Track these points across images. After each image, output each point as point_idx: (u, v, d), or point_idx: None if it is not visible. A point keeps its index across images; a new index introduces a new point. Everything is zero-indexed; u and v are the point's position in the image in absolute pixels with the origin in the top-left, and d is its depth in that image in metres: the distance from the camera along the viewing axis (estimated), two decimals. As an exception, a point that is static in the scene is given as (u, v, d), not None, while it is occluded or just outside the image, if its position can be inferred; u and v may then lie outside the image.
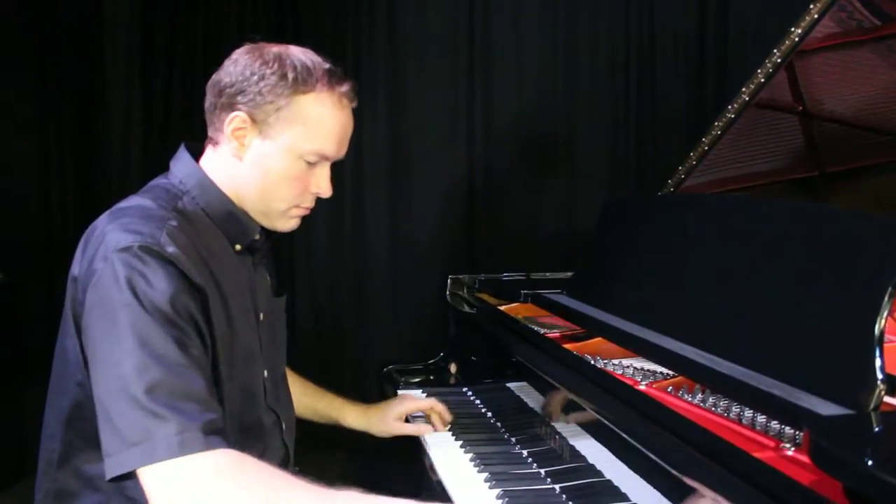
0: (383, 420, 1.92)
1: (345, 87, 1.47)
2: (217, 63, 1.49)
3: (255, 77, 1.41)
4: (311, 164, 1.47)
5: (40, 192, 3.47)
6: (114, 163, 3.52)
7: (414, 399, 1.98)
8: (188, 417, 1.19)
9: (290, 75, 1.41)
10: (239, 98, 1.42)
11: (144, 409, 1.18)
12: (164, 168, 1.53)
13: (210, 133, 1.49)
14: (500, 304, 2.24)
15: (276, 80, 1.41)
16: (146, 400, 1.18)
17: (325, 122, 1.45)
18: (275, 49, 1.45)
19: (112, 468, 1.20)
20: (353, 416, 1.94)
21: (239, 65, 1.44)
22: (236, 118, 1.42)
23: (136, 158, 3.50)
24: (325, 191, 1.52)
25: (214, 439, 1.20)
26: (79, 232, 1.40)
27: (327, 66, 1.47)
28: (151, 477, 1.18)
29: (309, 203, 1.53)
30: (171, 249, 1.30)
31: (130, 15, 3.51)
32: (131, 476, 1.20)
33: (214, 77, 1.47)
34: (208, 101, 1.48)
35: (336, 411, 1.95)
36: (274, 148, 1.44)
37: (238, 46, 1.49)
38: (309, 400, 1.92)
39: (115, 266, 1.26)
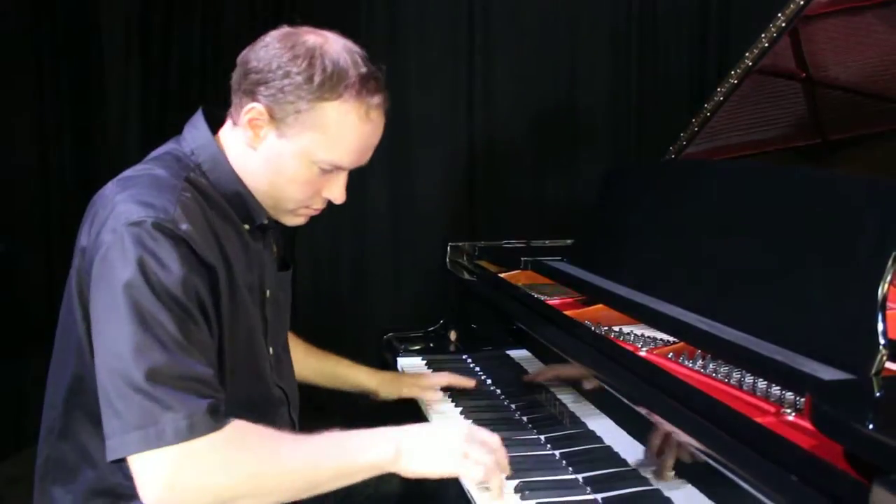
0: (394, 384, 1.92)
1: (376, 100, 1.37)
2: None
3: (281, 72, 1.32)
4: (325, 171, 1.40)
5: (38, 162, 3.45)
6: (112, 132, 3.49)
7: (434, 377, 1.93)
8: (193, 401, 1.18)
9: (318, 78, 1.32)
10: (261, 89, 1.34)
11: (147, 394, 1.16)
12: (161, 139, 1.49)
13: (232, 109, 1.42)
14: (500, 272, 2.24)
15: (301, 80, 1.32)
16: (148, 385, 1.16)
17: (346, 133, 1.36)
18: (311, 41, 1.35)
19: (115, 450, 1.18)
20: (363, 374, 1.94)
21: (269, 51, 1.35)
22: (253, 110, 1.35)
23: (135, 127, 3.47)
24: (338, 198, 1.45)
25: (219, 418, 1.20)
26: (77, 201, 1.36)
27: (364, 70, 1.36)
28: (150, 462, 1.17)
29: (319, 205, 1.47)
30: (184, 227, 1.25)
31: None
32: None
33: (245, 53, 1.39)
34: (234, 76, 1.40)
35: (344, 370, 1.94)
36: (289, 148, 1.37)
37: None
38: (314, 361, 1.91)
39: (124, 241, 1.22)
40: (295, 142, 1.36)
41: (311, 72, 1.32)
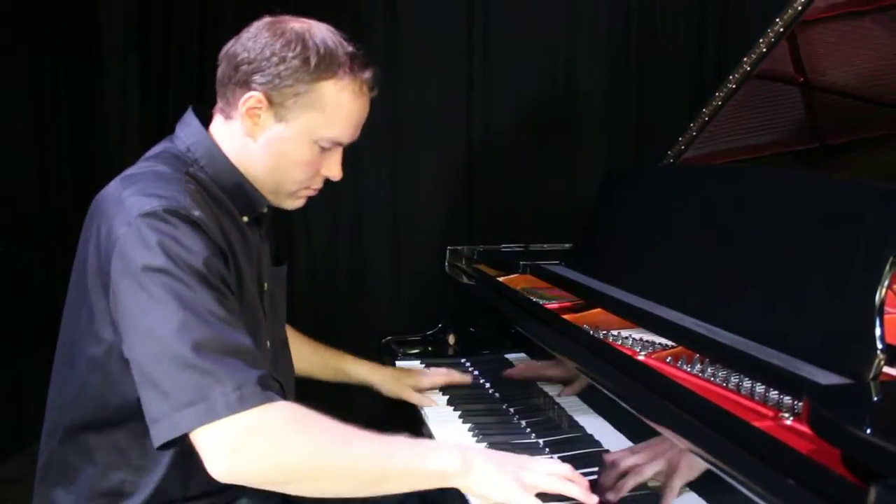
0: (397, 381, 1.94)
1: (367, 74, 1.45)
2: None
3: (276, 59, 1.37)
4: (324, 149, 1.45)
5: (38, 162, 3.45)
6: (112, 132, 3.49)
7: (433, 376, 1.97)
8: (242, 372, 1.17)
9: (313, 60, 1.37)
10: (256, 77, 1.38)
11: (195, 367, 1.16)
12: (161, 135, 1.50)
13: (221, 104, 1.46)
14: (499, 276, 2.24)
15: (298, 64, 1.37)
16: (195, 358, 1.16)
17: (344, 109, 1.43)
18: (297, 27, 1.40)
19: (163, 433, 1.17)
20: (366, 369, 1.97)
21: (259, 41, 1.39)
22: (251, 98, 1.39)
23: (135, 127, 3.47)
24: (336, 175, 1.51)
25: (270, 392, 1.20)
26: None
27: (350, 49, 1.43)
28: (210, 435, 1.16)
29: (318, 185, 1.52)
30: (197, 213, 1.28)
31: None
32: (177, 442, 1.18)
33: (230, 47, 1.42)
34: (221, 71, 1.43)
35: (349, 365, 1.97)
36: (289, 132, 1.41)
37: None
38: (319, 356, 1.93)
39: (141, 231, 1.23)
40: (295, 124, 1.41)
41: (307, 54, 1.37)
